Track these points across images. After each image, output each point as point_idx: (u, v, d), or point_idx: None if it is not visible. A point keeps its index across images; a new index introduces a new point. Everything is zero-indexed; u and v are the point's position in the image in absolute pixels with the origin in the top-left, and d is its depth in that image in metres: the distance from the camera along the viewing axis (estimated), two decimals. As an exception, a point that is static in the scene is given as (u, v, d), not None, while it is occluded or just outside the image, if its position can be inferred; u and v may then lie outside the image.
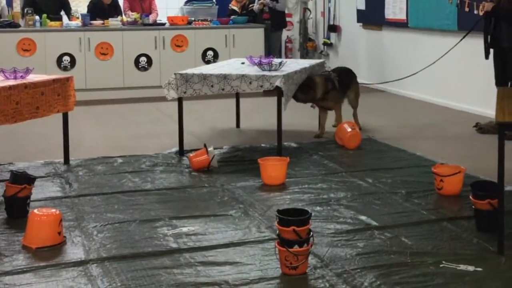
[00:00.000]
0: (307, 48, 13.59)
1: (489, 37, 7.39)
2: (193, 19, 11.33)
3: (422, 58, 9.83)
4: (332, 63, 12.26)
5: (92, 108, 9.57)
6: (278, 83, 6.45)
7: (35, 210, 4.49)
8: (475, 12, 8.60)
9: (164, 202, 5.33)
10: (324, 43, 13.21)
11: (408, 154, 6.84)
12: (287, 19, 12.70)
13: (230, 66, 7.43)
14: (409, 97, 10.43)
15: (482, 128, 7.54)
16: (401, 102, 10.20)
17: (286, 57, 12.96)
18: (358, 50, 12.13)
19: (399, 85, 10.75)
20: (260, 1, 11.65)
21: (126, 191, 5.60)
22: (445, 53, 8.63)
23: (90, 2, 11.44)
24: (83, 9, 11.69)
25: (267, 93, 7.33)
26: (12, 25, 10.23)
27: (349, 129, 7.12)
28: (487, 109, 7.89)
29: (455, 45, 8.22)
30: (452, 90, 9.51)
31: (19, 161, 6.56)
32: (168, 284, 3.79)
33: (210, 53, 10.96)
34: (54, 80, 6.29)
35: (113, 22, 10.77)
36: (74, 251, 4.30)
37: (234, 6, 11.99)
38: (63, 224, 4.53)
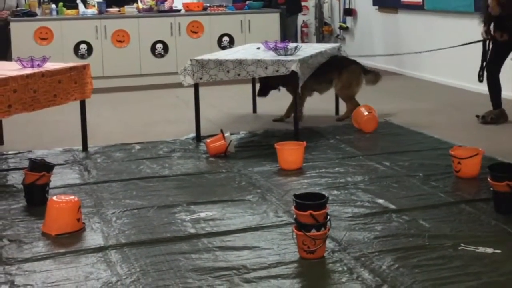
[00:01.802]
0: (323, 32, 13.54)
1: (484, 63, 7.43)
2: (208, 5, 11.32)
3: (438, 40, 9.76)
4: (348, 47, 12.21)
5: (109, 96, 9.60)
6: (293, 67, 6.44)
7: (54, 197, 4.52)
8: None
9: (182, 188, 5.35)
10: (340, 27, 13.15)
11: (425, 137, 6.81)
12: (303, 3, 12.66)
13: (246, 51, 7.43)
14: (426, 80, 10.38)
15: (484, 117, 7.46)
16: (418, 85, 10.16)
17: (302, 41, 12.91)
18: (374, 34, 12.07)
19: (416, 68, 10.70)
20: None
21: (144, 177, 5.63)
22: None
23: (105, -11, 11.46)
24: (99, -3, 11.70)
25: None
26: (29, 14, 10.28)
27: (366, 113, 7.11)
28: (505, 90, 7.82)
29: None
30: (469, 72, 9.44)
31: (38, 149, 6.61)
32: (187, 269, 3.81)
33: (226, 38, 10.96)
34: (71, 68, 6.32)
35: (129, 9, 10.79)
36: (93, 238, 4.33)
37: (249, -9, 11.95)
38: (82, 210, 4.56)
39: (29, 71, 5.92)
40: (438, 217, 4.54)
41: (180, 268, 3.83)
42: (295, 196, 4.02)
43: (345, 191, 5.15)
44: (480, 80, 7.54)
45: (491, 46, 7.45)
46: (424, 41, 10.37)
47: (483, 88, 8.89)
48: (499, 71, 7.46)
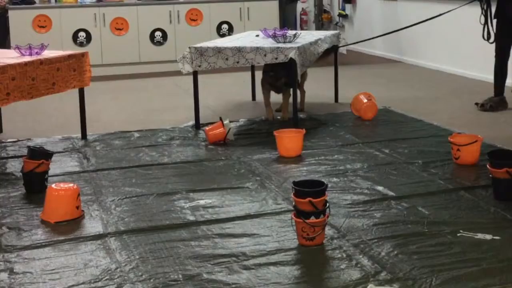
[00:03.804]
0: (322, 20, 13.51)
1: (489, 20, 7.30)
2: (207, -8, 11.30)
3: (438, 28, 9.74)
4: (348, 34, 12.20)
5: (108, 83, 9.59)
6: (292, 55, 6.43)
7: (53, 185, 4.52)
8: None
9: (181, 175, 5.35)
10: (340, 15, 13.12)
11: (425, 124, 6.81)
12: (302, -10, 12.64)
13: (245, 39, 7.41)
14: (425, 67, 10.37)
15: (483, 105, 7.44)
16: (418, 72, 10.15)
17: (301, 29, 12.89)
18: (374, 21, 12.04)
19: (415, 55, 10.68)
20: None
21: (143, 165, 5.63)
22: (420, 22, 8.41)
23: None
24: (97, -15, 11.67)
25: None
26: (27, 2, 10.27)
27: (365, 100, 7.10)
28: (509, 78, 7.80)
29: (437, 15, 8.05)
30: (468, 59, 9.44)
31: (37, 136, 6.60)
32: (186, 256, 3.81)
33: (225, 26, 10.94)
34: (69, 56, 6.31)
35: (127, -3, 10.78)
36: (92, 225, 4.33)
37: (248, -22, 11.92)
38: (81, 198, 4.56)
39: (27, 59, 5.90)
40: (437, 204, 4.54)
41: (179, 255, 3.83)
42: (294, 183, 4.02)
43: (344, 178, 5.15)
44: (488, 38, 7.29)
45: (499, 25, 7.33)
46: (423, 28, 10.34)
47: (483, 75, 8.90)
48: (508, 53, 7.36)
